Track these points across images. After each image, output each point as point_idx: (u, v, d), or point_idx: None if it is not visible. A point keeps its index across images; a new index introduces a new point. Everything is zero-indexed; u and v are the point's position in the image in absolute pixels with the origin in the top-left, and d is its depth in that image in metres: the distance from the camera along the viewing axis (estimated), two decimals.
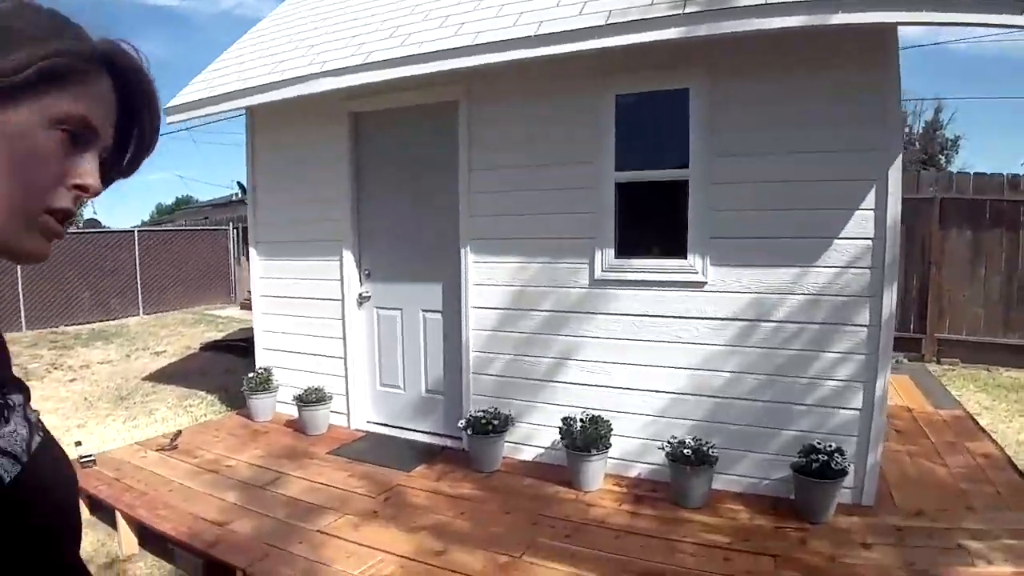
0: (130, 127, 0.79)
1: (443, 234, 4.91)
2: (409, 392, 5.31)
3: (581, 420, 4.37)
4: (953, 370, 8.15)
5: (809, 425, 4.07)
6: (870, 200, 3.84)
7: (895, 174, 3.78)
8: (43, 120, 0.67)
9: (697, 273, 4.21)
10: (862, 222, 3.87)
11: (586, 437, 4.29)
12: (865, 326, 3.92)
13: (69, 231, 0.80)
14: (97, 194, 0.74)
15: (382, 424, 5.42)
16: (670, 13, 3.79)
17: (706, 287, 4.21)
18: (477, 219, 4.79)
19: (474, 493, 4.31)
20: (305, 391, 5.41)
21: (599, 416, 4.39)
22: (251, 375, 5.80)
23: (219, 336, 11.09)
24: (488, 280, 4.79)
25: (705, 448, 4.05)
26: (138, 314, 14.05)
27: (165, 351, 10.20)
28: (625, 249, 4.41)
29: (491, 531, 3.75)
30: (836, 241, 3.94)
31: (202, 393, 7.45)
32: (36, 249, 0.70)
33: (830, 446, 3.87)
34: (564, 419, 4.41)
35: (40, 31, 0.68)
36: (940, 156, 23.60)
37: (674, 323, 4.31)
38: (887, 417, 5.65)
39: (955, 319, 8.43)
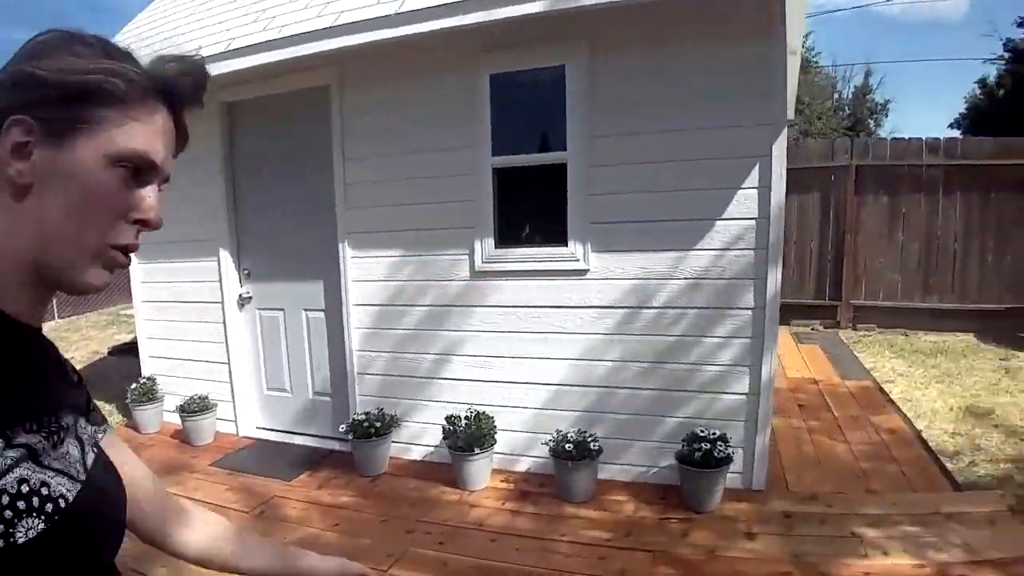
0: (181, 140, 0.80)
1: (322, 229, 4.57)
2: (296, 395, 5.03)
3: (465, 417, 4.11)
4: (869, 336, 8.11)
5: (695, 411, 3.93)
6: (753, 178, 3.66)
7: (779, 150, 3.60)
8: (101, 158, 0.67)
9: (578, 261, 3.99)
10: (745, 201, 3.70)
11: (468, 436, 4.09)
12: (749, 309, 3.77)
13: None
14: (159, 227, 0.75)
15: (271, 430, 5.08)
16: None
17: (588, 275, 3.99)
18: (354, 212, 4.47)
19: (353, 500, 4.02)
20: (188, 400, 4.99)
21: (483, 412, 4.15)
22: (134, 385, 5.45)
23: (128, 339, 10.65)
24: (368, 276, 4.51)
25: (588, 441, 3.83)
26: (53, 318, 13.47)
27: (73, 357, 9.73)
28: (506, 238, 4.13)
29: (361, 542, 3.47)
30: (718, 222, 3.76)
31: (99, 403, 6.98)
32: (97, 282, 0.71)
33: (714, 433, 3.74)
34: (447, 417, 4.14)
35: (92, 61, 0.68)
36: (869, 120, 23.87)
37: (557, 313, 4.10)
38: (791, 391, 5.66)
39: (872, 285, 8.36)
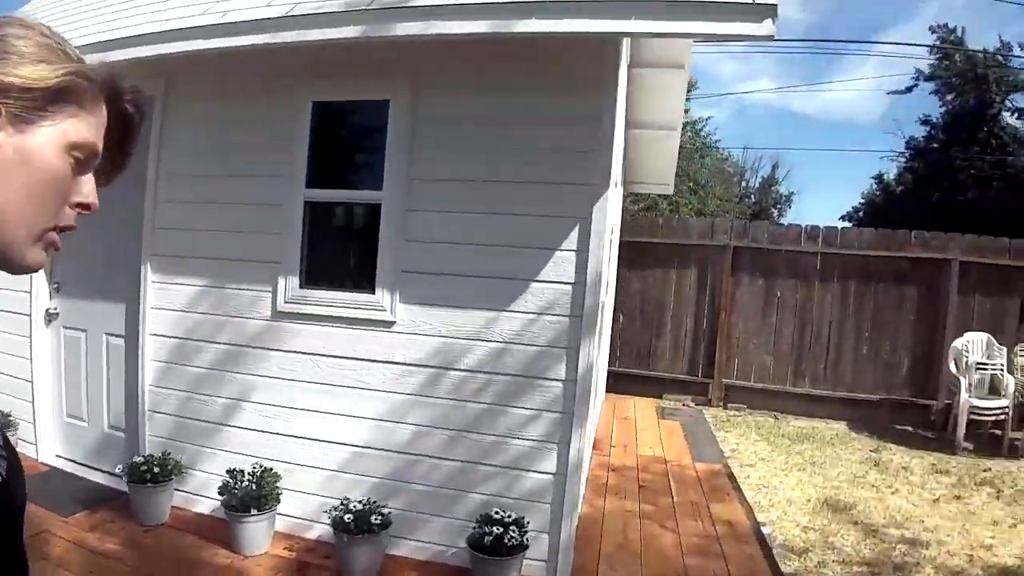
0: (125, 146, 0.80)
1: (132, 247, 3.96)
2: (92, 426, 4.24)
3: (250, 473, 3.53)
4: (739, 416, 7.68)
5: (500, 488, 3.36)
6: (572, 240, 3.18)
7: (599, 213, 3.14)
8: (61, 145, 0.68)
9: (385, 311, 3.42)
10: (562, 264, 3.21)
11: (245, 495, 3.44)
12: (560, 381, 3.24)
13: None
14: (97, 210, 0.75)
15: (69, 460, 4.31)
16: (346, 9, 3.08)
17: (394, 327, 3.42)
18: (161, 232, 3.82)
19: (118, 550, 3.34)
20: None
21: (269, 469, 3.51)
22: None
23: None
24: (168, 304, 3.82)
25: (371, 513, 3.26)
26: None
27: None
28: (313, 278, 3.54)
29: None
30: (534, 284, 3.25)
31: None
32: (36, 262, 0.70)
33: (509, 516, 3.17)
34: (228, 471, 3.48)
35: (55, 54, 0.68)
36: (773, 210, 24.19)
37: (359, 366, 3.50)
38: (638, 469, 5.11)
39: (744, 365, 7.99)
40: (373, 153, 3.44)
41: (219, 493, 3.50)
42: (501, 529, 3.09)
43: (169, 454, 3.79)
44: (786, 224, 8.13)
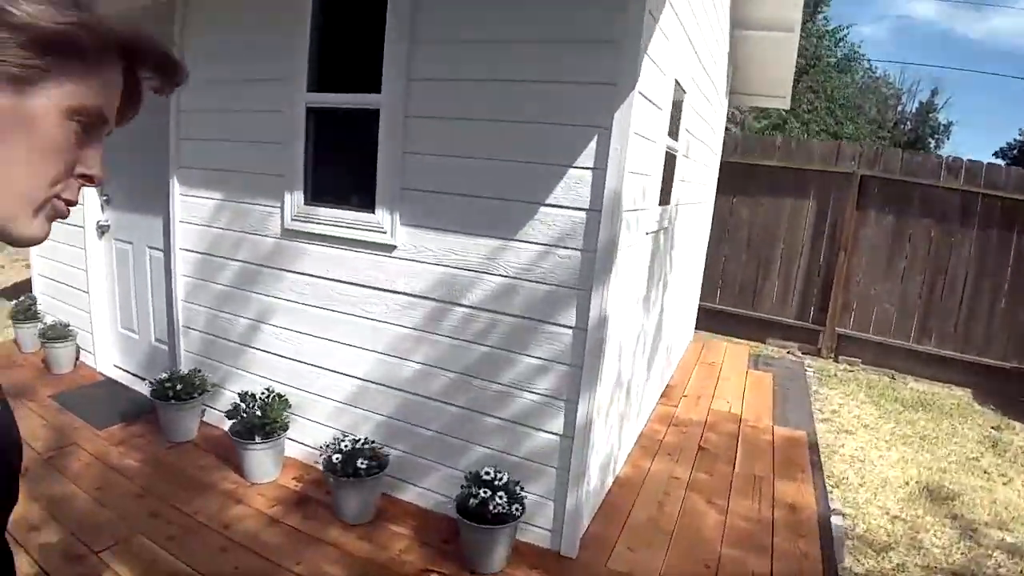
0: (135, 103, 0.70)
1: (161, 159, 3.62)
2: (142, 338, 4.10)
3: (261, 396, 3.19)
4: (850, 371, 6.53)
5: (504, 444, 2.79)
6: (588, 155, 2.44)
7: (622, 121, 2.38)
8: (61, 110, 0.59)
9: (385, 233, 2.86)
10: (576, 185, 2.49)
11: (250, 421, 3.11)
12: (570, 328, 2.57)
13: None
14: (102, 184, 0.67)
15: (125, 371, 4.23)
16: None
17: (396, 252, 2.87)
18: (185, 143, 3.43)
19: (137, 467, 3.20)
20: (48, 326, 4.23)
21: (280, 395, 3.18)
22: (15, 302, 4.73)
23: None
24: (193, 218, 3.47)
25: (360, 456, 2.82)
26: None
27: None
28: (318, 194, 3.04)
29: (102, 515, 2.75)
30: (543, 209, 2.56)
31: None
32: (38, 234, 0.62)
33: (500, 479, 2.61)
34: (240, 395, 3.20)
35: (63, 10, 0.57)
36: (930, 140, 20.49)
37: (363, 294, 2.99)
38: (704, 426, 4.30)
39: (862, 314, 6.72)
40: (375, 50, 2.80)
41: (227, 417, 3.19)
42: (488, 492, 2.55)
43: (199, 371, 3.56)
44: (924, 152, 6.51)
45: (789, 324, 6.99)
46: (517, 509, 2.57)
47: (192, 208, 3.51)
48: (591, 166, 2.44)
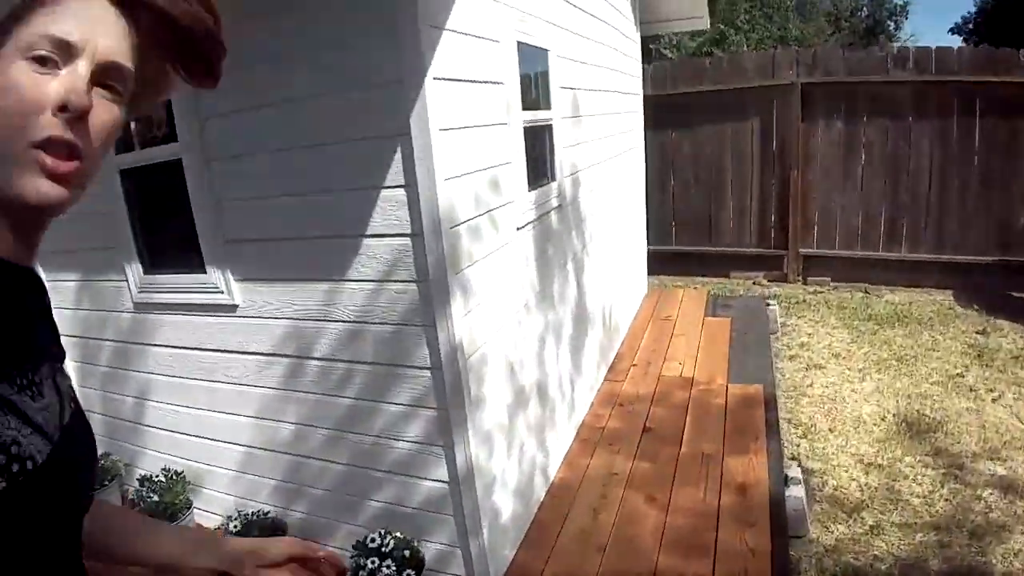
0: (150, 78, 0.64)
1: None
2: None
3: (158, 480, 2.84)
4: (820, 293, 5.95)
5: (394, 496, 2.39)
6: (397, 169, 1.97)
7: (420, 122, 1.89)
8: (15, 54, 0.54)
9: (222, 293, 2.42)
10: (391, 208, 2.01)
11: (147, 508, 2.77)
12: (426, 369, 2.12)
13: None
14: (83, 107, 0.55)
15: None
16: None
17: (238, 311, 2.42)
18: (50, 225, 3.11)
19: None
20: None
21: (176, 473, 2.83)
22: None
23: None
24: (63, 302, 2.94)
25: (262, 526, 2.49)
26: None
27: None
28: (155, 261, 2.59)
29: None
30: (366, 241, 2.09)
31: None
32: (34, 192, 0.54)
33: (387, 544, 2.22)
34: (140, 479, 2.85)
35: None
36: (889, 23, 18.64)
37: (222, 358, 2.55)
38: (651, 400, 3.76)
39: (826, 231, 6.10)
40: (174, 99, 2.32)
41: (131, 505, 2.84)
42: (376, 562, 2.16)
43: (109, 454, 3.19)
44: (867, 48, 5.74)
45: (751, 254, 6.43)
46: (408, 574, 2.18)
47: (60, 292, 3.09)
48: (402, 183, 1.97)
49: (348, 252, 2.13)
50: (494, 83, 2.43)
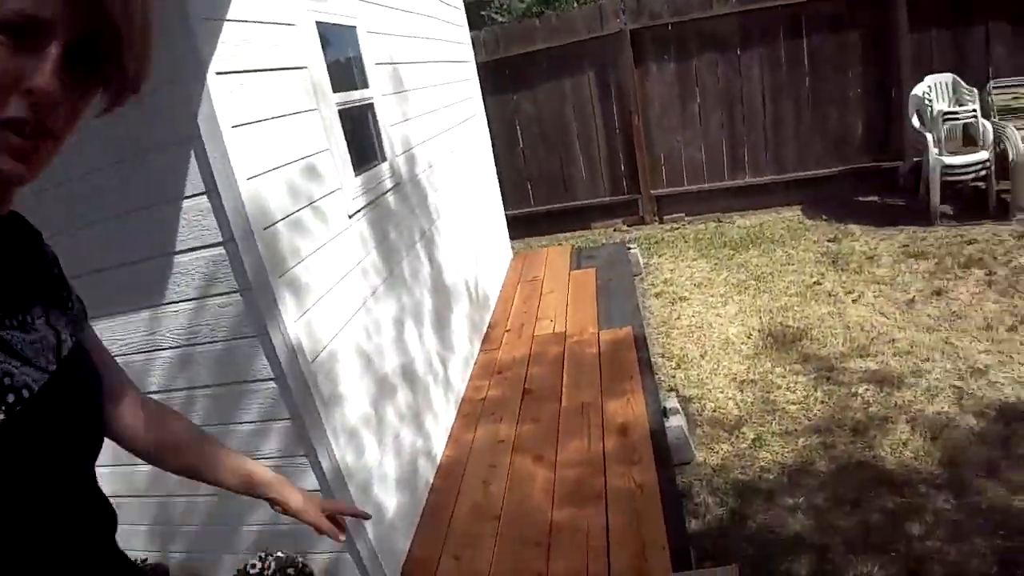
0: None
1: None
2: None
3: None
4: (678, 229, 6.27)
5: (268, 517, 2.19)
6: (195, 175, 1.83)
7: (208, 120, 1.77)
8: None
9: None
10: (198, 217, 1.87)
11: None
12: (269, 379, 2.03)
13: None
14: (49, 95, 0.56)
15: None
16: None
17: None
18: None
19: None
20: None
21: None
22: None
23: None
24: None
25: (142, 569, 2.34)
26: None
27: None
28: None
29: None
30: (177, 258, 1.94)
31: None
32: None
33: (269, 567, 2.15)
34: None
35: None
36: None
37: None
38: (527, 360, 3.72)
39: (673, 169, 6.40)
40: None
41: None
42: None
43: None
44: None
45: (607, 203, 6.66)
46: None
47: None
48: (203, 189, 1.84)
49: (162, 273, 1.98)
50: (295, 68, 2.31)
